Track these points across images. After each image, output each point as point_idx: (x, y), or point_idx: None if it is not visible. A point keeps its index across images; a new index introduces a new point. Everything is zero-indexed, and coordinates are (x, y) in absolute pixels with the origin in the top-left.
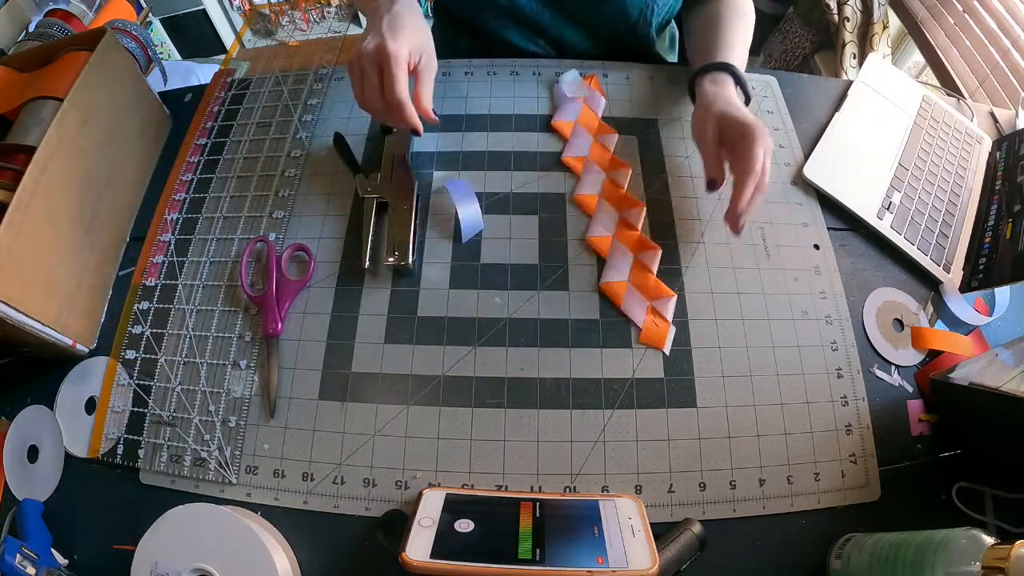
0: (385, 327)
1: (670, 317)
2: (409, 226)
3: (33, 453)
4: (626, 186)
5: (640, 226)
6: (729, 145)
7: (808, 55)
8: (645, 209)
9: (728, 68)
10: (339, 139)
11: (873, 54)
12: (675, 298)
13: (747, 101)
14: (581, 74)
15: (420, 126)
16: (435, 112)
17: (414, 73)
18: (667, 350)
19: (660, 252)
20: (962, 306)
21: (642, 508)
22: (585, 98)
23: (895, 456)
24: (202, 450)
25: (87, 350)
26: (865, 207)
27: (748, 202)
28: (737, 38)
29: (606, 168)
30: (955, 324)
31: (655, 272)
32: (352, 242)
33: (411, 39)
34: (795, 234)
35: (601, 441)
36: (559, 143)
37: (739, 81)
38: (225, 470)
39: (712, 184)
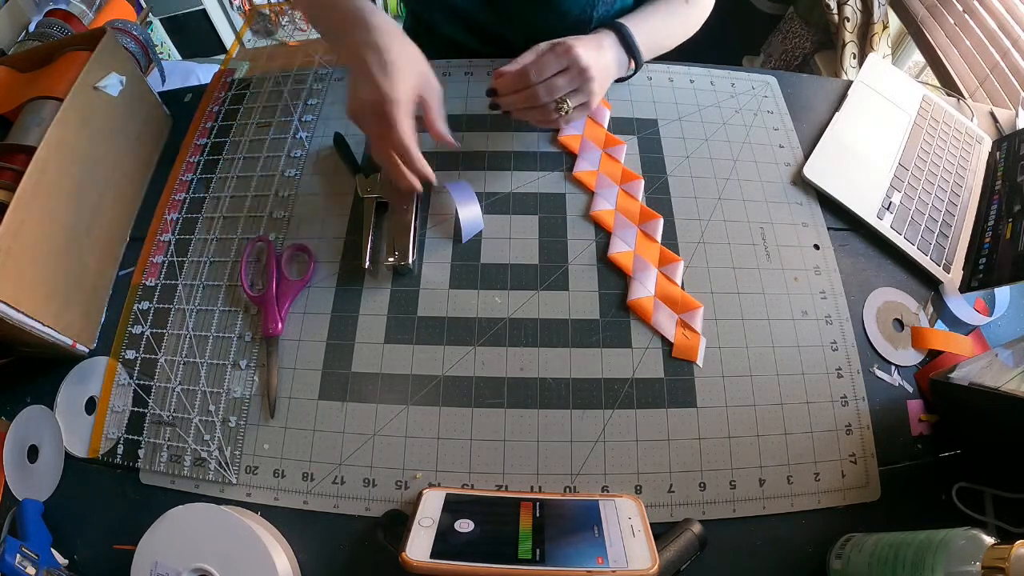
0: (385, 327)
1: (700, 328)
2: (409, 226)
3: (33, 453)
4: (641, 198)
5: (660, 237)
6: None
7: (808, 55)
8: (663, 220)
9: (618, 28)
10: (339, 139)
11: (873, 54)
12: (702, 308)
13: (636, 68)
14: None
15: (430, 174)
16: (453, 136)
17: (420, 103)
18: (700, 362)
19: (683, 264)
20: (962, 306)
21: (642, 508)
22: None
23: (895, 456)
24: (202, 450)
25: (87, 350)
26: (865, 207)
27: (508, 89)
28: (654, 16)
29: (619, 181)
30: (955, 324)
31: (680, 284)
32: (352, 242)
33: (408, 74)
34: (795, 234)
35: (601, 441)
36: (560, 146)
37: (627, 44)
38: (225, 470)
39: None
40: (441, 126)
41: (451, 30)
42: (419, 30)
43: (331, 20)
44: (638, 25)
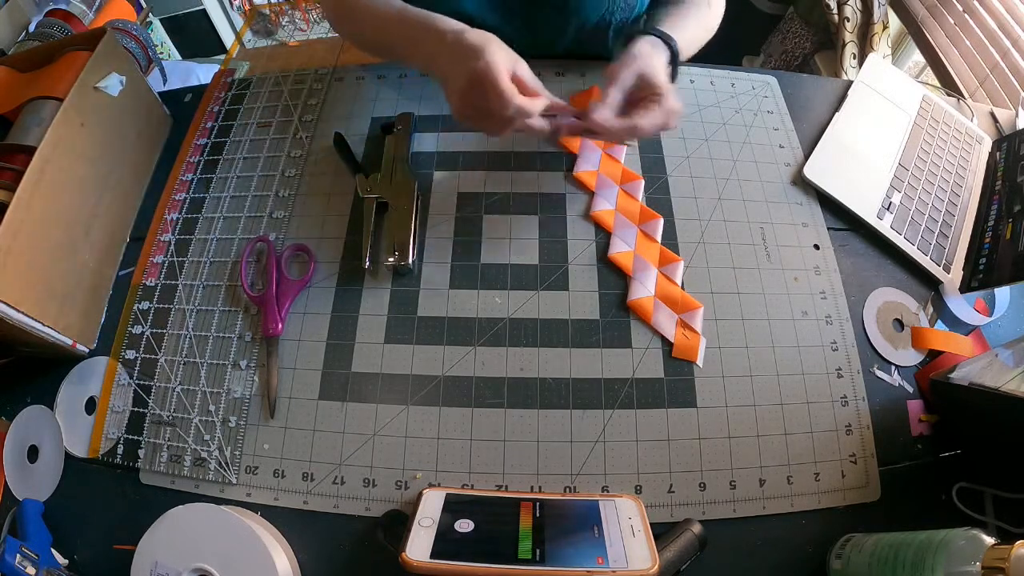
0: (385, 327)
1: (700, 328)
2: (409, 226)
3: (33, 453)
4: (641, 198)
5: (660, 237)
6: (635, 102)
7: (808, 55)
8: (663, 220)
9: (669, 41)
10: (339, 139)
11: (873, 54)
12: (702, 308)
13: (674, 64)
14: (582, 74)
15: (544, 126)
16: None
17: (513, 79)
18: (700, 362)
19: (683, 264)
20: (962, 306)
21: (642, 508)
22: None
23: (895, 456)
24: (202, 450)
25: (87, 350)
26: (865, 207)
27: (620, 130)
28: (689, 24)
29: (619, 181)
30: (955, 324)
31: (680, 284)
32: (352, 242)
33: (491, 48)
34: (795, 234)
35: (601, 441)
36: (560, 146)
37: (674, 59)
38: (225, 470)
39: (580, 118)
40: (541, 89)
41: None
42: None
43: (396, 36)
44: (681, 37)
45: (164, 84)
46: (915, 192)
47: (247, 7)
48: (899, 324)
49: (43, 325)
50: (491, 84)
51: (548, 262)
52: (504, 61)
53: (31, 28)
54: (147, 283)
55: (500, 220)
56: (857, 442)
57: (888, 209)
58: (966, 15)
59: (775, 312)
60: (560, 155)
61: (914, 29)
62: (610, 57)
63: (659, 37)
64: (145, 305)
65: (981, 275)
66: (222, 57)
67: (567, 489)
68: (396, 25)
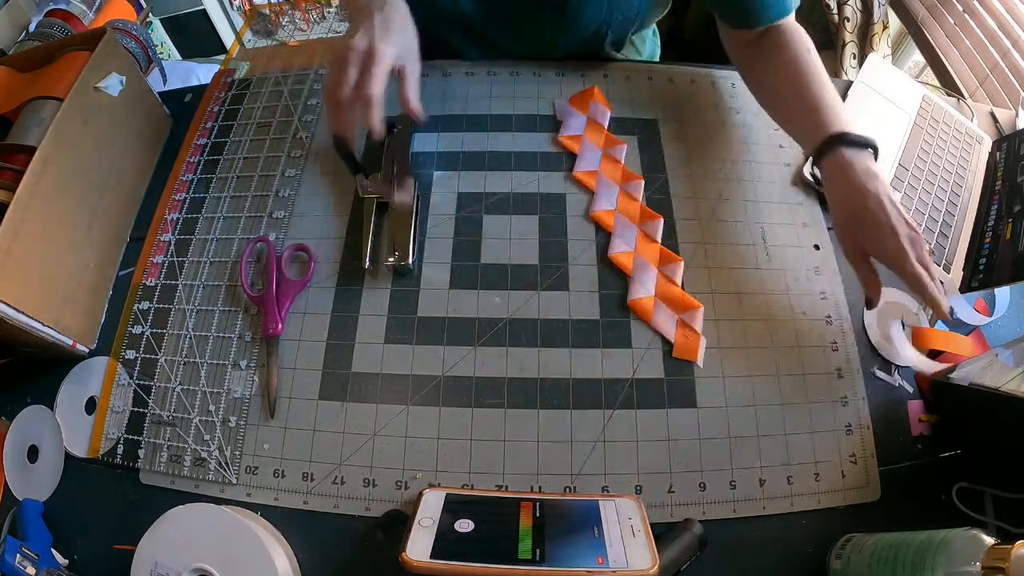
0: (385, 327)
1: (700, 328)
2: (409, 226)
3: (33, 453)
4: (641, 198)
5: (660, 238)
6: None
7: None
8: (663, 220)
9: (844, 141)
10: (339, 139)
11: (873, 54)
12: (702, 308)
13: (875, 153)
14: (582, 74)
15: (379, 128)
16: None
17: (398, 74)
18: (700, 363)
19: (683, 264)
20: (962, 306)
21: (642, 508)
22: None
23: (895, 456)
24: (202, 450)
25: (87, 350)
26: None
27: (933, 291)
28: (825, 85)
29: (619, 181)
30: (955, 324)
31: (680, 284)
32: (352, 242)
33: (400, 42)
34: (795, 234)
35: (601, 441)
36: (560, 146)
37: (857, 144)
38: (225, 470)
39: (870, 304)
40: (414, 98)
41: (456, 41)
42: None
43: None
44: (847, 117)
45: (164, 84)
46: (915, 192)
47: (247, 7)
48: (899, 324)
49: (43, 325)
50: (372, 45)
51: (548, 262)
52: (400, 45)
53: (31, 28)
54: (147, 283)
55: (500, 220)
56: (857, 442)
57: None
58: (966, 15)
59: (775, 312)
60: (560, 155)
61: (914, 29)
62: (608, 59)
63: (847, 145)
64: (145, 305)
65: (981, 275)
66: (222, 57)
67: (567, 489)
68: None
